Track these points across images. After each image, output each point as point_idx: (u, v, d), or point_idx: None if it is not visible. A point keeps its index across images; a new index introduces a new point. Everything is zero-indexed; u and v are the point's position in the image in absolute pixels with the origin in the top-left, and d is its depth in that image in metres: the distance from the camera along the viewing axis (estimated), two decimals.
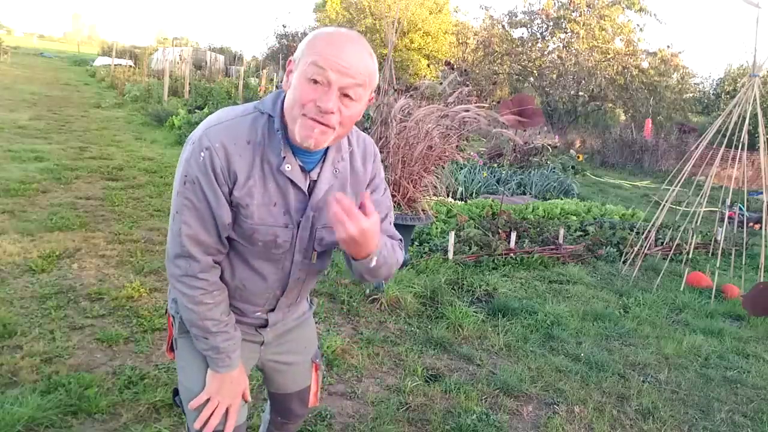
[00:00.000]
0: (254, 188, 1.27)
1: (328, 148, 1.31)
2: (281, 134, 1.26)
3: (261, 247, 1.33)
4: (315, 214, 1.34)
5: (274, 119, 1.27)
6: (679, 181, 5.05)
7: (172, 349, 1.51)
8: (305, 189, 1.31)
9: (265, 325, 1.50)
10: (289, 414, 1.75)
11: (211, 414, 1.41)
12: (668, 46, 18.60)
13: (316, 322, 2.27)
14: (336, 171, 1.35)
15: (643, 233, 5.45)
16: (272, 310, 1.49)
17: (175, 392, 1.53)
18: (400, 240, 1.51)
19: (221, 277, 1.39)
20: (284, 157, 1.26)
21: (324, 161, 1.33)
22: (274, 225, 1.31)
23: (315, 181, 1.32)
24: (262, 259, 1.37)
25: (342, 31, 1.22)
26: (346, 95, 1.19)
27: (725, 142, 4.90)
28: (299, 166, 1.29)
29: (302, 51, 1.22)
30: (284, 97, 1.27)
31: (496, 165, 9.24)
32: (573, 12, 18.46)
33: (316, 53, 1.18)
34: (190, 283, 1.32)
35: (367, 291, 3.86)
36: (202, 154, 1.23)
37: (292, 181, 1.29)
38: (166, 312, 1.52)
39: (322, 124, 1.19)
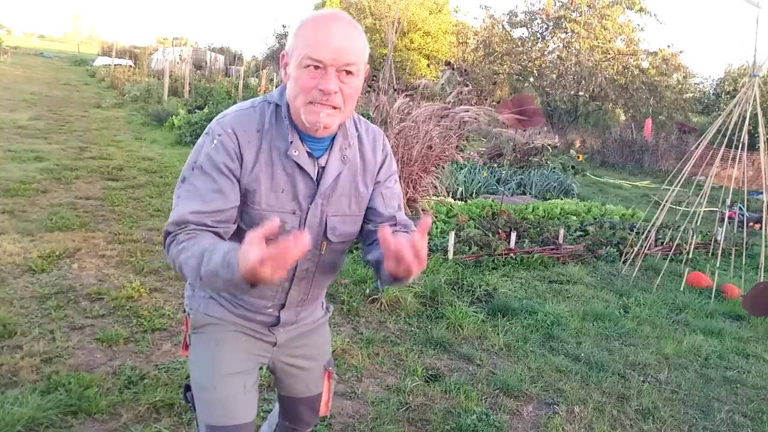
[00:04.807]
0: (261, 174, 1.30)
1: (335, 135, 1.35)
2: (288, 121, 1.30)
3: None
4: (324, 201, 1.37)
5: (282, 107, 1.32)
6: (679, 181, 5.05)
7: (187, 346, 1.52)
8: (313, 175, 1.34)
9: (276, 323, 1.50)
10: (297, 420, 1.73)
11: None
12: (669, 46, 18.64)
13: None
14: (344, 158, 1.37)
15: (643, 233, 5.45)
16: (283, 306, 1.49)
17: (186, 388, 1.54)
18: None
19: None
20: (291, 142, 1.30)
21: (331, 148, 1.36)
22: (281, 211, 1.33)
23: (323, 168, 1.35)
24: None
25: (324, 13, 1.26)
26: (345, 71, 1.23)
27: (725, 142, 4.90)
28: (307, 152, 1.32)
29: (292, 42, 1.26)
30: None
31: (496, 165, 9.23)
32: (573, 12, 18.46)
33: (306, 44, 1.22)
34: (174, 245, 1.24)
35: (367, 291, 3.86)
36: (215, 141, 1.28)
37: (300, 167, 1.32)
38: (184, 310, 1.54)
39: (328, 106, 1.23)
